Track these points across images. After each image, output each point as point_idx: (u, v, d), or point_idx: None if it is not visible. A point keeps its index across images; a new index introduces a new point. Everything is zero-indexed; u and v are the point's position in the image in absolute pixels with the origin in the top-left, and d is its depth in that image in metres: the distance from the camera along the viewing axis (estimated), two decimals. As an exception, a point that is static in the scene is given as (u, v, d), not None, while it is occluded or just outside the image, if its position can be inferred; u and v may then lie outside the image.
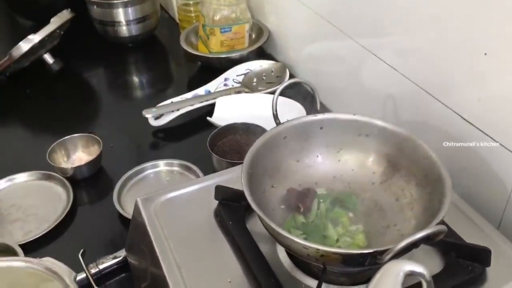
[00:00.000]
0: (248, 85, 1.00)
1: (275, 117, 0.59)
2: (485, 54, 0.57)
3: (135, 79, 1.18)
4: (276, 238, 0.50)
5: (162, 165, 0.83)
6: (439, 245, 0.53)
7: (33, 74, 1.08)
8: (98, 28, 1.18)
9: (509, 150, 0.58)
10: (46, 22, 1.02)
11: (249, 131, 0.82)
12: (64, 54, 1.11)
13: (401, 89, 0.74)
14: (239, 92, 0.97)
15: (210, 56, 1.06)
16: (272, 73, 1.02)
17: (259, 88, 0.99)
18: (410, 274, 0.33)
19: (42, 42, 1.01)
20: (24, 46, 0.98)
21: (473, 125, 0.62)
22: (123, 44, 1.19)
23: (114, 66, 1.18)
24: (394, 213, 0.55)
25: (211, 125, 0.88)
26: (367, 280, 0.53)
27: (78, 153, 0.86)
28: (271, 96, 0.91)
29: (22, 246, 0.69)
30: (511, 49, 0.54)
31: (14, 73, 1.05)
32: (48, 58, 1.07)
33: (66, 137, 0.85)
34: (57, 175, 0.81)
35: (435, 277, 0.51)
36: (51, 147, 0.83)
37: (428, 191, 0.53)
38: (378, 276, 0.33)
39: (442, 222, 0.47)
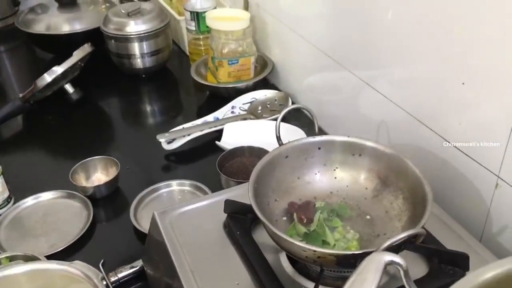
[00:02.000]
0: (253, 113, 1.08)
1: (278, 138, 0.67)
2: (463, 83, 0.65)
3: (148, 107, 1.26)
4: (278, 243, 0.57)
5: (174, 185, 0.90)
6: (423, 251, 0.60)
7: (55, 103, 1.17)
8: (114, 60, 1.27)
9: (487, 169, 0.65)
10: (65, 55, 1.12)
11: (254, 153, 0.89)
12: (83, 84, 1.20)
13: (393, 116, 0.82)
14: (245, 119, 1.05)
15: (218, 86, 1.14)
16: (276, 102, 1.10)
17: (264, 116, 1.07)
18: (390, 264, 0.40)
19: (64, 73, 1.09)
20: (48, 76, 1.07)
21: (456, 147, 0.69)
22: (137, 75, 1.28)
23: (129, 95, 1.26)
24: (384, 223, 0.62)
25: (219, 149, 0.95)
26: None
27: (97, 174, 0.93)
28: (275, 122, 1.00)
29: (47, 257, 0.76)
30: (486, 77, 0.62)
31: (38, 102, 1.14)
32: (69, 88, 1.16)
33: (87, 159, 0.93)
34: (78, 193, 0.88)
35: (420, 281, 0.57)
36: (73, 168, 0.91)
37: (414, 203, 0.60)
38: (362, 264, 0.39)
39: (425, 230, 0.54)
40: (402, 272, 0.40)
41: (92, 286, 0.55)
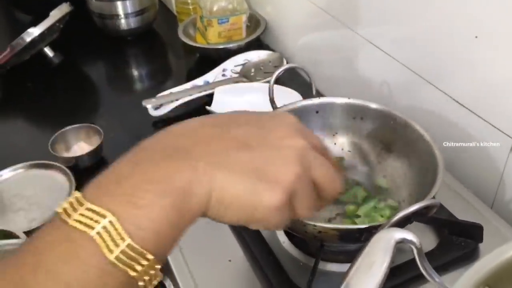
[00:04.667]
0: (246, 75, 1.01)
1: (272, 101, 0.61)
2: (476, 37, 0.59)
3: (135, 72, 1.19)
4: (274, 217, 0.52)
5: (162, 154, 0.84)
6: (433, 222, 0.55)
7: (33, 68, 1.09)
8: (97, 22, 1.19)
9: (500, 131, 0.59)
10: (44, 16, 1.04)
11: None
12: (64, 47, 1.12)
13: (396, 76, 0.75)
14: (237, 82, 0.98)
15: (208, 47, 1.07)
16: (270, 63, 1.03)
17: (257, 78, 1.00)
18: (401, 242, 0.35)
19: (42, 36, 1.02)
20: (24, 39, 0.99)
21: (465, 107, 0.63)
22: (122, 37, 1.20)
23: (113, 59, 1.19)
24: (389, 192, 0.57)
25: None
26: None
27: (80, 144, 0.87)
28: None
29: (27, 233, 0.71)
30: (503, 30, 0.56)
31: (15, 67, 1.06)
32: (48, 51, 1.08)
33: (67, 128, 0.86)
34: (59, 164, 0.82)
35: (430, 254, 0.53)
36: (53, 137, 0.84)
37: (422, 170, 0.55)
38: (370, 243, 0.34)
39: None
40: (415, 251, 0.35)
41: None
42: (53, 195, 0.79)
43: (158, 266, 0.32)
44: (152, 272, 0.31)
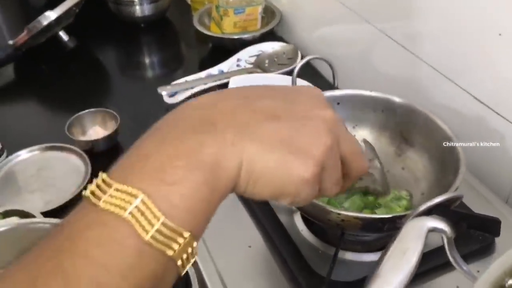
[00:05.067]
0: (260, 66, 1.02)
1: (295, 91, 0.61)
2: (500, 34, 0.59)
3: (147, 59, 1.19)
4: (297, 204, 0.52)
5: (177, 141, 0.84)
6: (451, 216, 0.56)
7: (48, 51, 1.10)
8: (112, 8, 1.19)
9: (520, 128, 0.60)
10: (58, 1, 1.04)
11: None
12: (79, 32, 1.13)
13: (415, 71, 0.76)
14: (251, 73, 0.99)
15: (223, 36, 1.07)
16: (284, 55, 1.04)
17: (271, 70, 1.01)
18: (432, 230, 0.36)
19: (58, 19, 1.02)
20: (42, 22, 0.99)
21: (485, 104, 0.64)
22: (135, 24, 1.20)
23: (127, 46, 1.19)
24: (409, 184, 0.58)
25: (225, 104, 0.89)
26: (381, 248, 0.55)
27: (95, 128, 0.88)
28: (284, 76, 0.93)
29: (43, 214, 0.71)
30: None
31: (30, 49, 1.06)
32: (63, 35, 1.09)
33: (84, 112, 0.87)
34: (75, 148, 0.83)
35: (447, 246, 0.53)
36: (69, 121, 0.85)
37: (441, 164, 0.56)
38: (403, 231, 0.35)
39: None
40: (445, 240, 0.36)
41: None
42: (69, 177, 0.80)
43: (195, 244, 0.30)
44: (189, 250, 0.30)
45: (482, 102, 0.64)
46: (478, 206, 0.58)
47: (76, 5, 1.06)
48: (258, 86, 0.37)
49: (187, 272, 0.55)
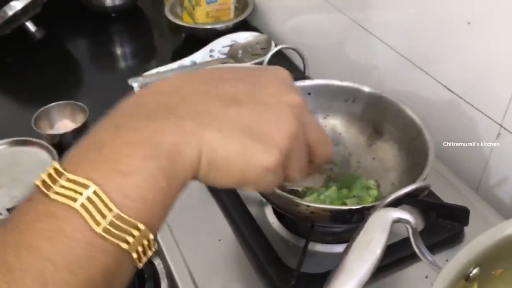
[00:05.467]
0: (233, 57, 1.00)
1: (265, 82, 0.60)
2: (468, 23, 0.59)
3: (119, 49, 1.16)
4: (266, 197, 0.52)
5: (148, 133, 0.83)
6: (420, 205, 0.56)
7: (14, 42, 1.06)
8: (81, -3, 1.16)
9: (488, 116, 0.60)
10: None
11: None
12: (47, 22, 1.09)
13: (387, 60, 0.76)
14: (224, 63, 0.97)
15: (195, 26, 1.06)
16: (257, 45, 1.02)
17: (245, 60, 0.99)
18: (397, 221, 0.35)
19: (24, 9, 0.98)
20: (7, 12, 0.96)
21: (454, 93, 0.64)
22: (106, 13, 1.17)
23: (97, 36, 1.16)
24: (379, 175, 0.58)
25: (197, 95, 0.88)
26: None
27: (64, 121, 0.85)
28: (257, 66, 0.92)
29: (8, 210, 0.69)
30: (494, 17, 0.56)
31: (-5, 41, 1.03)
32: (30, 26, 1.05)
33: (51, 104, 0.84)
34: (42, 142, 0.81)
35: (417, 235, 0.54)
36: (36, 114, 0.82)
37: (411, 154, 0.56)
38: (367, 222, 0.35)
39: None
40: (410, 230, 0.35)
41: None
42: (37, 172, 0.77)
43: (151, 236, 0.29)
44: (145, 242, 0.29)
45: (451, 90, 0.64)
46: (448, 195, 0.58)
47: (43, -6, 1.03)
48: (223, 68, 0.36)
49: (156, 268, 0.54)
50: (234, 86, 0.33)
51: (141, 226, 0.28)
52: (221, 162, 0.31)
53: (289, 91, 0.34)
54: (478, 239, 0.35)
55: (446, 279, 0.33)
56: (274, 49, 0.58)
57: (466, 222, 0.54)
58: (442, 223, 0.54)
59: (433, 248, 0.53)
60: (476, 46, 0.60)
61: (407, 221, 0.35)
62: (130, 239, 0.28)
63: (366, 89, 0.59)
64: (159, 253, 0.54)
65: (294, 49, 0.61)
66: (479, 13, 0.58)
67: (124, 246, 0.28)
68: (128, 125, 0.30)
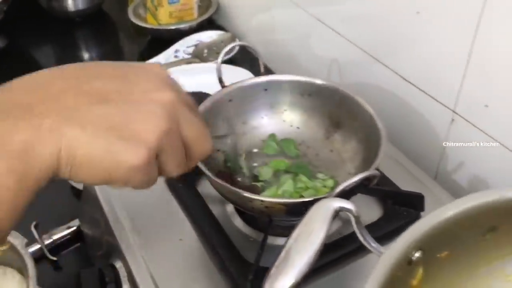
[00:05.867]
0: (199, 56, 1.00)
1: (220, 80, 0.60)
2: (418, 12, 0.60)
3: (85, 54, 1.16)
4: (222, 194, 0.52)
5: (114, 137, 0.83)
6: (377, 193, 0.57)
7: (-24, 52, 1.05)
8: (42, 3, 1.15)
9: (441, 103, 0.61)
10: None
11: (199, 100, 0.83)
12: (9, 30, 1.08)
13: (346, 54, 0.76)
14: (189, 63, 0.97)
15: (159, 28, 1.05)
16: (222, 44, 1.02)
17: (210, 59, 1.00)
18: (339, 210, 0.36)
19: (-17, 18, 0.97)
20: (-36, 21, 0.95)
21: (409, 82, 0.65)
22: (70, 19, 1.16)
23: (62, 42, 1.15)
24: (337, 166, 0.58)
25: (163, 96, 0.88)
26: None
27: (27, 129, 0.85)
28: (223, 65, 0.92)
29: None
30: (442, 6, 0.57)
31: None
32: (-9, 34, 1.04)
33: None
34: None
35: (374, 224, 0.54)
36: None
37: (367, 144, 0.56)
38: (309, 213, 0.35)
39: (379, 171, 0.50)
40: (353, 219, 0.36)
41: (15, 254, 0.49)
42: None
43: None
44: None
45: (407, 80, 0.65)
46: (407, 184, 0.59)
47: (3, 2, 1.01)
48: (96, 63, 0.35)
49: (117, 271, 0.54)
50: (104, 84, 0.32)
51: None
52: (83, 160, 0.30)
53: (163, 88, 0.33)
54: (418, 223, 0.36)
55: (386, 265, 0.34)
56: (226, 47, 0.58)
57: (421, 208, 0.55)
58: (399, 210, 0.55)
59: (392, 235, 0.53)
60: (426, 35, 0.61)
61: (348, 210, 0.36)
62: None
63: (319, 81, 0.59)
64: (119, 254, 0.54)
65: (247, 46, 0.61)
66: (427, 1, 0.59)
67: None
68: None
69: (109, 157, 0.31)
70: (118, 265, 0.54)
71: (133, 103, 0.32)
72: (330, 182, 0.55)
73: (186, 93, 0.36)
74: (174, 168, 0.34)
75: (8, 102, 0.31)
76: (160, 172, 0.34)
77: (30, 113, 0.30)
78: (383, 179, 0.59)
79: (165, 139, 0.32)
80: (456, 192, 0.62)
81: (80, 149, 0.30)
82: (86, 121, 0.30)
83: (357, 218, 0.36)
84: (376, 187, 0.55)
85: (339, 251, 0.51)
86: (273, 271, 0.33)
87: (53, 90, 0.31)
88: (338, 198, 0.36)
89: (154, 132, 0.31)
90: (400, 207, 0.55)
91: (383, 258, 0.33)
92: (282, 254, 0.33)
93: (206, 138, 0.36)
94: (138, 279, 0.52)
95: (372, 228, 0.52)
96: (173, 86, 0.34)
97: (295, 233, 0.34)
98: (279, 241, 0.55)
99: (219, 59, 0.60)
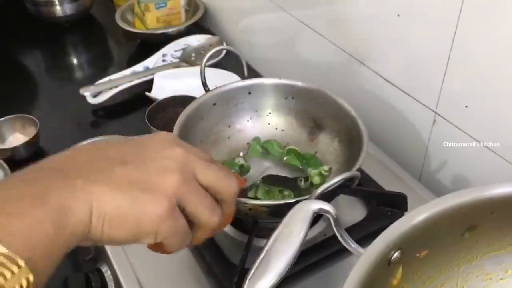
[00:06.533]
0: (187, 60, 1.01)
1: (204, 84, 0.61)
2: (398, 15, 0.61)
3: (73, 60, 1.16)
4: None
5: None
6: (361, 194, 0.57)
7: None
8: (30, 9, 1.15)
9: (423, 105, 0.62)
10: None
11: (183, 103, 0.83)
12: (-4, 36, 1.08)
13: (331, 56, 0.77)
14: (177, 67, 0.98)
15: (147, 32, 1.06)
16: (210, 47, 1.03)
17: (198, 63, 1.00)
18: (318, 212, 0.36)
19: (-30, 24, 0.97)
20: (-49, 28, 0.95)
21: (392, 83, 0.66)
22: (58, 24, 1.16)
23: (50, 47, 1.15)
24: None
25: (151, 101, 0.88)
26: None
27: (15, 135, 0.85)
28: (210, 69, 0.93)
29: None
30: (421, 8, 0.58)
31: None
32: (-21, 41, 1.04)
33: (0, 119, 0.84)
34: (-7, 157, 0.80)
35: (358, 225, 0.55)
36: (-15, 129, 0.82)
37: (350, 145, 0.57)
38: (289, 214, 0.36)
39: (362, 172, 0.51)
40: (332, 220, 0.36)
41: None
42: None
43: (31, 278, 0.30)
44: (23, 282, 0.29)
45: (390, 82, 0.66)
46: (392, 185, 0.60)
47: (-11, 8, 1.01)
48: (111, 137, 0.40)
49: (103, 275, 0.54)
50: (123, 149, 0.37)
51: (21, 263, 0.29)
52: (112, 214, 0.33)
53: (173, 146, 0.38)
54: (395, 224, 0.36)
55: (365, 265, 0.34)
56: (210, 51, 0.59)
57: (405, 208, 0.56)
58: (383, 211, 0.56)
59: (376, 235, 0.54)
60: (407, 37, 0.61)
61: (327, 212, 0.36)
62: (8, 274, 0.29)
63: (302, 84, 0.60)
64: (106, 259, 0.54)
65: (231, 50, 0.62)
66: (407, 4, 0.60)
67: (1, 281, 0.28)
68: (20, 183, 0.33)
69: (135, 207, 0.34)
70: (105, 269, 0.55)
71: (149, 162, 0.36)
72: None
73: (196, 149, 0.41)
74: (208, 214, 0.37)
75: (47, 168, 0.35)
76: (200, 225, 0.37)
77: (64, 175, 0.34)
78: (368, 180, 0.59)
79: (182, 187, 0.35)
80: (440, 191, 0.63)
81: (108, 204, 0.33)
82: (110, 180, 0.34)
83: (336, 220, 0.36)
84: (360, 188, 0.56)
85: (323, 252, 0.52)
86: (252, 272, 0.33)
87: (81, 159, 0.36)
88: (317, 200, 0.37)
89: (171, 183, 0.35)
90: (384, 207, 0.55)
91: (362, 258, 0.34)
92: (262, 255, 0.34)
93: (228, 178, 0.39)
94: (124, 283, 0.52)
95: (356, 229, 0.54)
96: (183, 144, 0.39)
97: (274, 235, 0.35)
98: (264, 242, 0.55)
99: (203, 63, 0.61)
